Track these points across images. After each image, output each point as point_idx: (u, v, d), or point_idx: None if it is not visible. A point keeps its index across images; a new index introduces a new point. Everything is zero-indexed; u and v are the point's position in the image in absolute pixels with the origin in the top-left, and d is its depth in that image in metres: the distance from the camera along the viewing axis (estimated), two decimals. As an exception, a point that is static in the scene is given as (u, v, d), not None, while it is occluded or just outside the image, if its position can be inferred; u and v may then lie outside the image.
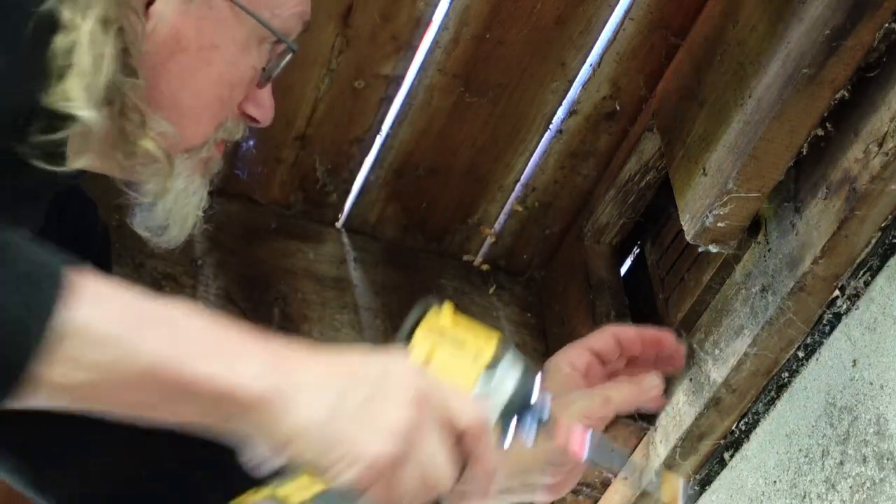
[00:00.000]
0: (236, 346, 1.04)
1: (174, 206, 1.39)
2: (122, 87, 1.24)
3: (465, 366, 1.17)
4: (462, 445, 1.12)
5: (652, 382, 1.46)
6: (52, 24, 1.17)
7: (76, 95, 1.18)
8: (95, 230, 1.51)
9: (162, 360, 1.00)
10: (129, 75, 1.25)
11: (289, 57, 1.43)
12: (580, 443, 1.22)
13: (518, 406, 1.18)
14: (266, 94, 1.44)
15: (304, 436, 1.05)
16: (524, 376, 1.19)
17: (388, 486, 1.08)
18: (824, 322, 1.63)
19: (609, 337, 1.50)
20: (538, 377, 1.19)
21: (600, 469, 1.40)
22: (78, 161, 1.26)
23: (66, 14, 1.18)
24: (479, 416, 1.12)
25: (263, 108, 1.43)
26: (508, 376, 1.18)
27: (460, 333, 1.20)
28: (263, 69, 1.42)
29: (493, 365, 1.17)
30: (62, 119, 1.18)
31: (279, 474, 1.09)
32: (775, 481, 1.68)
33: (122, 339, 0.99)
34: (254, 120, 1.43)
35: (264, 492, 1.11)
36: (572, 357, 1.48)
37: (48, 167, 1.20)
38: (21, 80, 1.16)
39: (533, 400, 1.18)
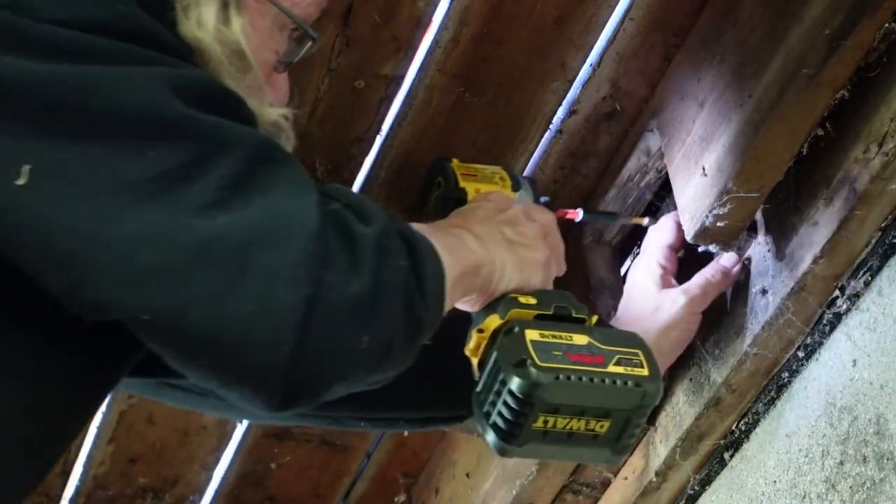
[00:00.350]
0: (458, 239, 1.39)
1: None
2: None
3: (501, 189, 1.68)
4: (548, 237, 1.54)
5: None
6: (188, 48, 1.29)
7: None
8: None
9: (460, 265, 1.36)
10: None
11: (309, 44, 1.46)
12: (574, 213, 1.81)
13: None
14: (283, 79, 1.48)
15: (506, 270, 1.43)
16: (532, 187, 1.74)
17: (550, 276, 1.50)
18: (824, 322, 1.63)
19: (674, 224, 1.78)
20: (535, 183, 1.76)
21: (598, 224, 1.91)
22: None
23: (187, 34, 1.30)
24: (552, 217, 1.58)
25: (280, 92, 1.48)
26: (525, 191, 1.72)
27: (479, 172, 1.71)
28: (284, 55, 1.46)
29: (515, 187, 1.71)
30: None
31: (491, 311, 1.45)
32: (775, 481, 1.68)
33: (451, 263, 1.31)
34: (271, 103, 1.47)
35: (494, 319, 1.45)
36: (661, 260, 1.77)
37: None
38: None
39: (542, 200, 1.73)
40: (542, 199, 1.73)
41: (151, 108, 1.12)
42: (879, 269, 1.57)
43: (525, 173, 2.00)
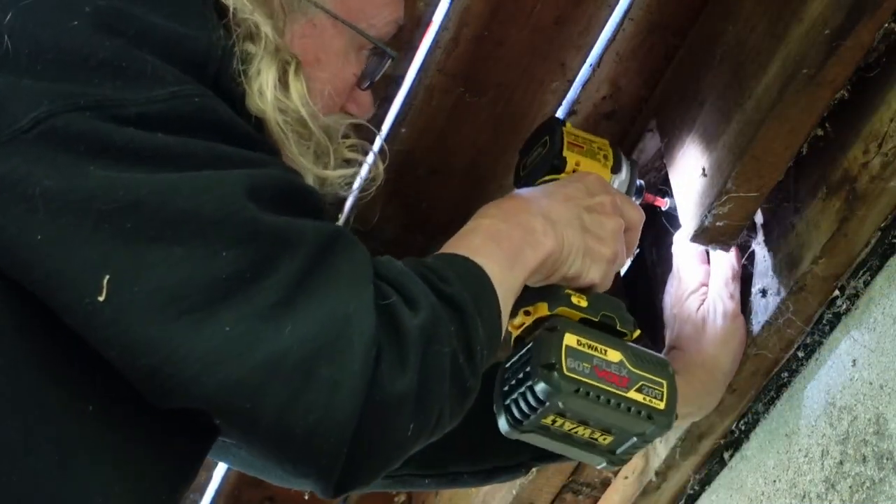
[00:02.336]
0: (527, 232, 1.44)
1: None
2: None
3: (601, 168, 1.66)
4: (628, 233, 1.60)
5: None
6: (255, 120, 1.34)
7: (300, 164, 1.39)
8: None
9: (525, 269, 1.42)
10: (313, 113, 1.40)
11: (389, 62, 1.54)
12: (662, 202, 1.77)
13: (630, 190, 1.69)
14: (367, 94, 1.56)
15: (571, 254, 1.48)
16: (632, 170, 1.69)
17: (610, 274, 1.55)
18: (824, 322, 1.63)
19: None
20: (636, 166, 1.73)
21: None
22: None
23: (252, 106, 1.33)
24: (641, 216, 1.62)
25: (364, 106, 1.56)
26: (625, 173, 1.68)
27: (587, 144, 1.67)
28: (365, 72, 1.52)
29: (616, 168, 1.67)
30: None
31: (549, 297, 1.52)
32: (775, 481, 1.68)
33: (510, 279, 1.40)
34: (353, 116, 1.54)
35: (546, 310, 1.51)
36: (696, 279, 1.76)
37: None
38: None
39: (637, 184, 1.70)
40: (639, 182, 1.71)
41: (226, 213, 1.18)
42: (879, 269, 1.57)
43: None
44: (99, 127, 1.18)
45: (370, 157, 1.52)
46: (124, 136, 1.18)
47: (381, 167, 1.51)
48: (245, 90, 1.32)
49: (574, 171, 1.64)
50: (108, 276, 1.15)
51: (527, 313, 1.51)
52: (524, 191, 1.57)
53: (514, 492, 1.96)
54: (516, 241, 1.43)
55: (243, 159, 1.24)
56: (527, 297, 1.51)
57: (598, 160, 1.67)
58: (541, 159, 1.69)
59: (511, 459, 1.68)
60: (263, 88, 1.33)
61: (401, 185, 2.00)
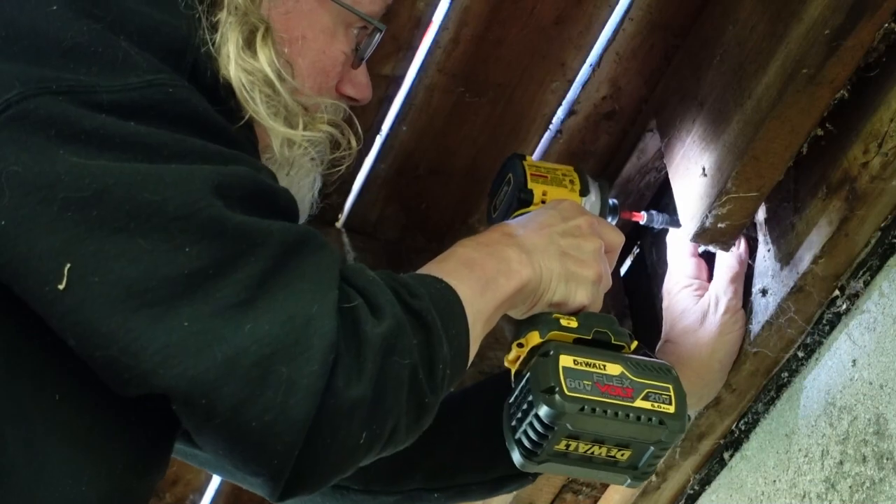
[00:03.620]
0: (501, 262, 1.42)
1: (289, 189, 1.43)
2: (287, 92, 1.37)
3: (569, 194, 1.66)
4: (609, 254, 1.57)
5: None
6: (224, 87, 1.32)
7: (271, 128, 1.36)
8: None
9: (498, 296, 1.41)
10: (285, 79, 1.37)
11: (379, 36, 1.49)
12: (639, 216, 1.75)
13: (603, 210, 1.69)
14: (361, 73, 1.53)
15: (552, 281, 1.46)
16: (602, 190, 1.69)
17: (597, 295, 1.53)
18: (824, 322, 1.63)
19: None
20: (607, 185, 1.71)
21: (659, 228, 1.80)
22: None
23: (221, 71, 1.31)
24: (619, 236, 1.59)
25: (360, 87, 1.53)
26: (594, 194, 1.68)
27: (550, 172, 1.68)
28: (356, 50, 1.49)
29: (584, 191, 1.67)
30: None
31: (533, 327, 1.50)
32: (775, 481, 1.68)
33: (481, 303, 1.38)
34: (352, 99, 1.52)
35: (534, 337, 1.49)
36: (688, 272, 1.75)
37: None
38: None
39: (610, 203, 1.70)
40: (612, 201, 1.70)
41: (192, 209, 1.17)
42: (879, 268, 1.57)
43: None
44: (71, 112, 1.17)
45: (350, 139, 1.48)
46: (95, 123, 1.17)
47: (354, 141, 1.47)
48: (216, 59, 1.31)
49: (543, 201, 1.64)
50: (69, 265, 1.14)
51: (520, 346, 1.50)
52: (498, 225, 1.54)
53: (513, 492, 1.96)
54: (490, 270, 1.41)
55: (214, 153, 1.23)
56: (518, 331, 1.51)
57: (564, 186, 1.67)
58: (508, 196, 1.69)
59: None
60: (229, 50, 1.31)
61: (401, 185, 2.00)
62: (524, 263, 1.44)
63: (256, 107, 1.33)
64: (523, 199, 1.65)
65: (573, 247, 1.50)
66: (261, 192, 1.25)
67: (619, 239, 1.60)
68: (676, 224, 1.73)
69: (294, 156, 1.41)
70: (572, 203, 1.59)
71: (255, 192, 1.24)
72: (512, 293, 1.42)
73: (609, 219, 1.69)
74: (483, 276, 1.40)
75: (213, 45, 1.31)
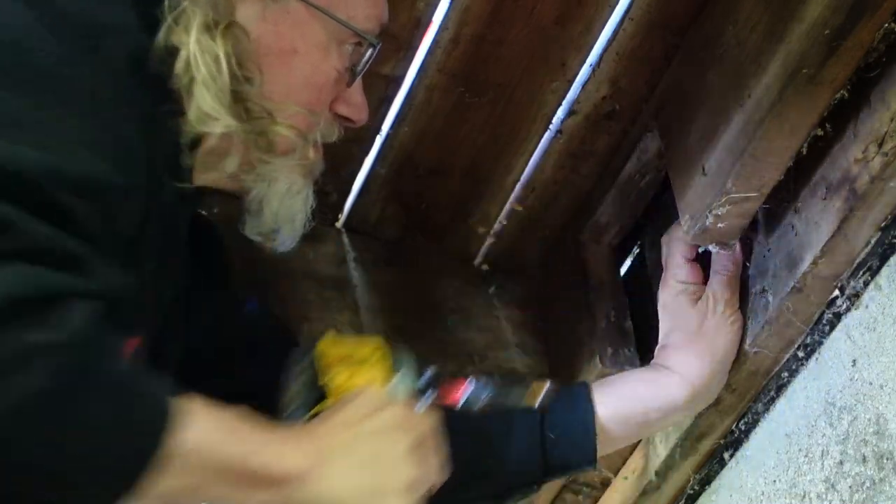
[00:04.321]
0: (272, 437, 1.21)
1: (279, 208, 1.44)
2: (243, 87, 1.33)
3: (377, 376, 1.46)
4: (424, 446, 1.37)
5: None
6: (169, 52, 1.28)
7: (209, 106, 1.29)
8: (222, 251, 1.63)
9: (233, 462, 1.17)
10: (246, 75, 1.33)
11: (371, 53, 1.46)
12: (459, 394, 1.53)
13: (415, 387, 1.49)
14: (356, 92, 1.49)
15: (342, 496, 1.25)
16: (413, 366, 1.49)
17: (415, 497, 1.32)
18: (824, 322, 1.63)
19: (679, 239, 1.74)
20: (413, 363, 1.50)
21: (483, 408, 1.57)
22: (202, 178, 1.36)
23: (173, 38, 1.28)
24: (430, 423, 1.39)
25: (355, 107, 1.49)
26: (406, 373, 1.48)
27: (356, 352, 1.47)
28: (350, 69, 1.46)
29: (395, 367, 1.47)
30: (198, 139, 1.31)
31: None
32: (775, 481, 1.69)
33: (210, 458, 1.14)
34: (347, 119, 1.49)
35: None
36: (682, 277, 1.73)
37: (180, 187, 1.30)
38: (164, 128, 1.27)
39: (422, 379, 1.49)
40: (426, 374, 1.50)
41: None
42: (879, 268, 1.57)
43: (525, 173, 2.01)
44: None
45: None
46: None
47: (312, 153, 1.42)
48: (168, 23, 1.28)
49: (344, 390, 1.43)
50: None
51: None
52: (294, 430, 1.30)
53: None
54: (255, 446, 1.19)
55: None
56: None
57: (371, 365, 1.47)
58: (305, 389, 1.46)
59: (524, 478, 1.65)
60: (190, 25, 1.29)
61: (401, 185, 2.00)
62: (299, 457, 1.22)
63: (195, 73, 1.29)
64: (318, 397, 1.45)
65: (380, 450, 1.31)
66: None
67: (428, 426, 1.39)
68: (504, 397, 1.56)
69: (270, 171, 1.39)
70: (372, 396, 1.37)
71: None
72: (260, 471, 1.18)
73: (428, 394, 1.49)
74: (241, 441, 1.18)
75: (175, 21, 1.29)
